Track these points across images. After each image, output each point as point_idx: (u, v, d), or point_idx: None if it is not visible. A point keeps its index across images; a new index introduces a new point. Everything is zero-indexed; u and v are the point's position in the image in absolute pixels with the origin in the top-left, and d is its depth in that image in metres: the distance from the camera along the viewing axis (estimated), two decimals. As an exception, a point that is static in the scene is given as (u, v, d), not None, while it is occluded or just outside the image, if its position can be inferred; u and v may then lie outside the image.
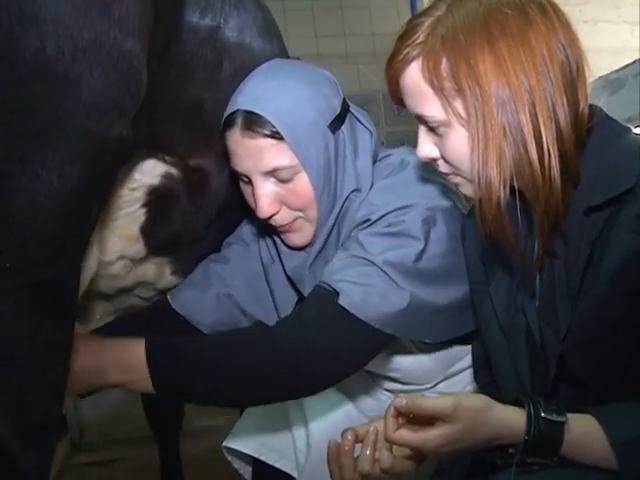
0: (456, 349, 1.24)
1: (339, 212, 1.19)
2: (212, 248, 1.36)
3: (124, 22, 0.88)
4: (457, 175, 1.03)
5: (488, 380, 1.14)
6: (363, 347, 1.11)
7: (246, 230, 1.34)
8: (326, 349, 1.07)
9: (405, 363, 1.24)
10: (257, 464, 1.34)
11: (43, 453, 0.89)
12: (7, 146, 0.78)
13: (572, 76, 0.94)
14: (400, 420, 0.93)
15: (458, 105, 0.96)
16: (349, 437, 0.99)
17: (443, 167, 1.05)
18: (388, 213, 1.13)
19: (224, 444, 1.36)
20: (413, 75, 1.00)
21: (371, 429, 0.99)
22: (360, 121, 1.23)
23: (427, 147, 1.03)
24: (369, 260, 1.10)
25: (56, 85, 0.82)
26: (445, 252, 1.13)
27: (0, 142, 0.78)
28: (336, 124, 1.17)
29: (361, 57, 3.08)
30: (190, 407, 2.01)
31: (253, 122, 1.12)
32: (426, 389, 1.28)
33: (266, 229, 1.28)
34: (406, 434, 0.92)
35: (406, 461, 0.96)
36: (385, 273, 1.09)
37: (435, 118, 0.99)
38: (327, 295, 1.10)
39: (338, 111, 1.17)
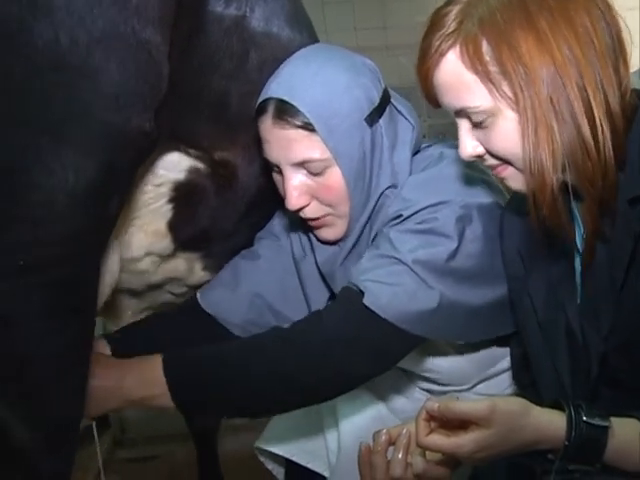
0: (495, 350, 1.18)
1: (373, 208, 1.14)
2: (244, 243, 1.33)
3: (142, 11, 0.86)
4: (506, 167, 0.97)
5: (528, 382, 1.08)
6: (388, 348, 1.07)
7: (277, 223, 1.31)
8: (344, 349, 1.04)
9: (441, 364, 1.20)
10: (290, 465, 1.32)
11: (63, 455, 0.88)
12: (23, 142, 0.77)
13: (614, 47, 0.89)
14: (432, 424, 0.89)
15: (505, 88, 0.90)
16: (382, 438, 0.95)
17: (490, 161, 0.98)
18: (421, 210, 1.08)
19: (256, 445, 1.33)
20: (451, 66, 0.94)
21: (404, 432, 0.95)
22: (401, 113, 1.17)
23: (471, 145, 0.97)
24: (398, 259, 1.06)
25: (71, 76, 0.80)
26: (481, 252, 1.07)
27: (15, 138, 0.77)
28: (374, 117, 1.11)
29: (401, 49, 3.02)
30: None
31: (285, 112, 1.08)
32: (463, 390, 1.23)
33: (297, 222, 1.24)
34: (438, 439, 0.88)
35: (440, 466, 0.92)
36: (414, 272, 1.04)
37: (480, 108, 0.93)
38: (352, 295, 1.06)
39: (377, 103, 1.12)
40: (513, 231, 1.06)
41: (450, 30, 0.93)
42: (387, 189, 1.13)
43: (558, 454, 0.84)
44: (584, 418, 0.83)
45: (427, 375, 1.22)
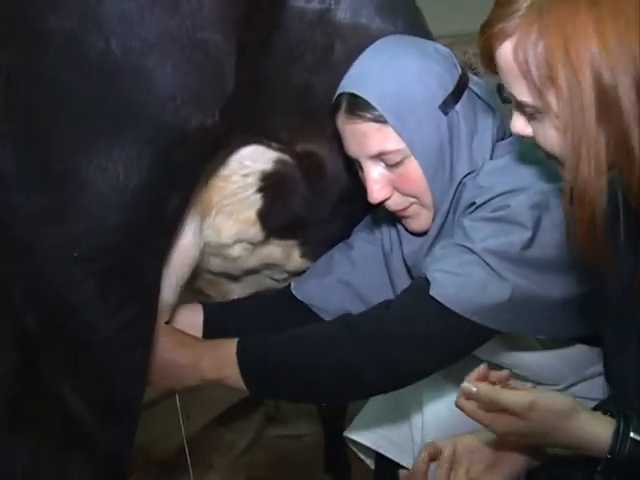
0: (592, 350, 1.10)
1: (453, 196, 1.11)
2: (341, 231, 1.35)
3: (197, 13, 0.90)
4: (556, 161, 0.91)
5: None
6: (455, 341, 1.04)
7: (372, 217, 1.31)
8: (407, 338, 1.02)
9: (527, 359, 1.14)
10: (379, 455, 1.32)
11: (121, 433, 0.95)
12: (74, 142, 0.84)
13: None
14: None
15: (551, 96, 0.84)
16: (423, 457, 0.94)
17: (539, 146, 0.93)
18: (495, 197, 1.04)
19: (345, 434, 1.35)
20: (506, 55, 0.88)
21: (447, 449, 0.93)
22: (481, 97, 1.13)
23: (519, 123, 0.92)
24: (469, 248, 1.02)
25: (124, 81, 0.86)
26: (559, 241, 1.00)
27: (68, 138, 0.84)
28: (449, 104, 1.09)
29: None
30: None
31: (356, 106, 1.09)
32: (559, 390, 1.15)
33: (389, 215, 1.23)
34: (476, 409, 0.86)
35: None
36: (485, 262, 1.00)
37: (527, 103, 0.88)
38: (421, 285, 1.04)
39: (451, 90, 1.09)
40: None
41: (518, 14, 0.86)
42: (465, 177, 1.10)
43: (600, 465, 0.79)
44: (631, 434, 0.76)
45: (515, 370, 1.16)
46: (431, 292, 1.01)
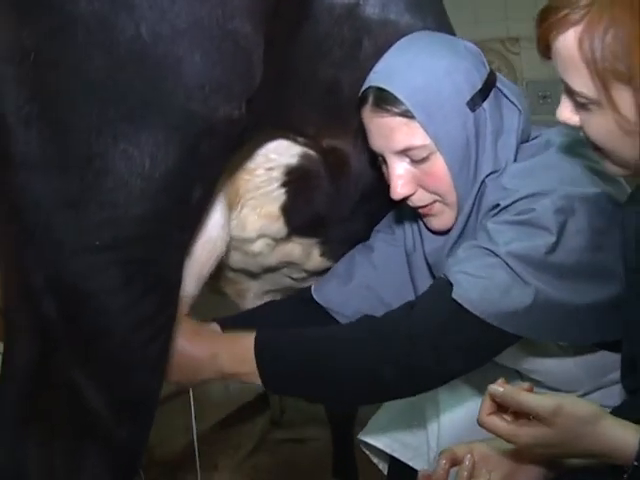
0: (610, 356, 1.08)
1: (476, 196, 1.09)
2: (362, 231, 1.33)
3: (227, 3, 0.88)
4: (601, 153, 0.89)
5: (636, 386, 0.98)
6: (477, 345, 1.02)
7: (393, 216, 1.29)
8: (431, 343, 1.00)
9: (546, 365, 1.12)
10: (393, 459, 1.29)
11: (138, 428, 0.93)
12: (100, 126, 0.82)
13: None
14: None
15: (616, 91, 0.81)
16: (444, 464, 0.92)
17: (585, 138, 0.91)
18: (519, 200, 1.02)
19: (359, 437, 1.33)
20: (568, 43, 0.85)
21: (468, 455, 0.91)
22: (507, 97, 1.12)
23: (567, 111, 0.90)
24: (492, 251, 1.00)
25: (153, 68, 0.84)
26: (585, 246, 0.99)
27: (93, 122, 0.82)
28: (476, 101, 1.07)
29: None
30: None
31: (383, 100, 1.07)
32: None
33: (411, 213, 1.22)
34: (498, 422, 0.85)
35: None
36: (508, 266, 0.98)
37: (582, 94, 0.85)
38: (443, 287, 1.02)
39: (479, 87, 1.07)
40: (635, 225, 0.96)
41: (583, 2, 0.83)
42: (488, 176, 1.08)
43: (627, 473, 0.77)
44: (658, 441, 0.74)
45: (532, 375, 1.15)
46: (453, 295, 1.00)
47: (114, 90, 0.82)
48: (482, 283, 0.99)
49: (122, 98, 0.83)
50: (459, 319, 0.99)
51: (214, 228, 1.07)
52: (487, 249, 1.01)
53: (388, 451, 1.27)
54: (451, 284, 1.01)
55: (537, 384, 1.16)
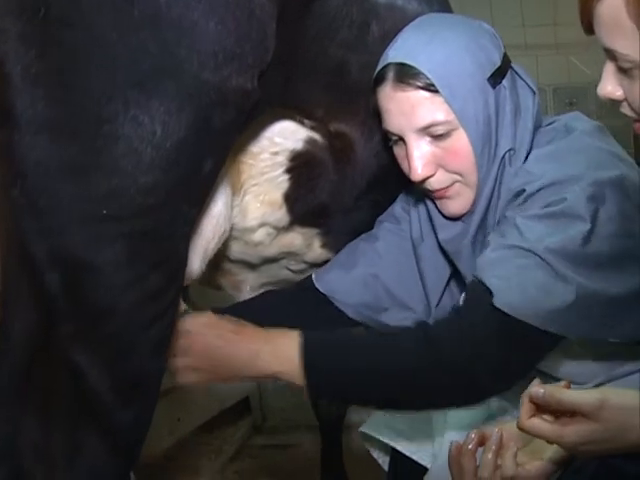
0: (623, 346, 1.05)
1: (496, 176, 1.07)
2: (365, 222, 1.29)
3: (245, -29, 0.86)
4: None
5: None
6: (529, 351, 0.99)
7: (398, 206, 1.27)
8: (490, 356, 0.97)
9: (561, 357, 1.09)
10: (395, 454, 1.26)
11: (140, 411, 0.88)
12: (110, 90, 0.78)
13: None
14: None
15: None
16: (472, 438, 0.90)
17: (626, 110, 0.88)
18: (546, 186, 1.00)
19: (360, 429, 1.29)
20: (616, 4, 0.82)
21: (495, 432, 0.88)
22: (522, 78, 1.11)
23: (611, 85, 0.88)
24: (528, 249, 0.97)
25: (167, 32, 0.81)
26: (616, 233, 0.96)
27: (104, 84, 0.78)
28: (496, 78, 1.06)
29: (572, 47, 2.87)
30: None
31: (405, 74, 1.04)
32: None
33: (419, 202, 1.19)
34: (541, 424, 0.81)
35: (531, 472, 0.85)
36: (547, 263, 0.95)
37: (629, 57, 0.83)
38: (482, 295, 0.98)
39: (498, 64, 1.06)
40: None
41: None
42: (507, 153, 1.06)
43: None
44: None
45: (543, 368, 1.11)
46: (495, 303, 0.96)
47: (126, 53, 0.79)
48: (521, 286, 0.95)
49: (134, 61, 0.79)
50: (507, 327, 0.96)
51: (218, 206, 1.03)
52: (521, 248, 0.98)
53: (392, 444, 1.23)
54: (489, 290, 0.97)
55: (545, 377, 1.14)
